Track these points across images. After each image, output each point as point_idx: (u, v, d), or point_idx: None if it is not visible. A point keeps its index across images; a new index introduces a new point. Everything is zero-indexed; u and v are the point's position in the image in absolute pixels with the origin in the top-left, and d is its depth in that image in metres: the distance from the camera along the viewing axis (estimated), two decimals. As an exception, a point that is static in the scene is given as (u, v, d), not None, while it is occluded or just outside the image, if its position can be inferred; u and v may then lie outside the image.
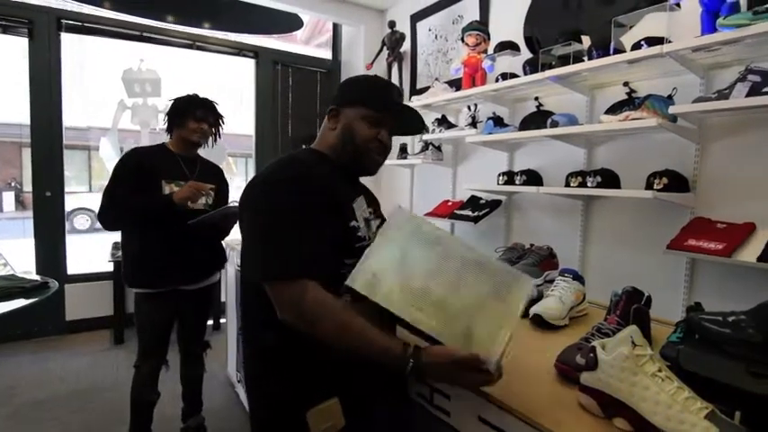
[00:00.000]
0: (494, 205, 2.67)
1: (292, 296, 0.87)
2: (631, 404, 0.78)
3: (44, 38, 3.20)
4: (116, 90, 3.61)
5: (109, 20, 3.44)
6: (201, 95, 1.98)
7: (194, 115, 1.88)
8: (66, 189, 3.50)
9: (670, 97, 1.78)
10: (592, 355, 0.85)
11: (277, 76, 4.00)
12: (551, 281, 1.47)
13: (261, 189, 0.96)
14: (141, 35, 3.52)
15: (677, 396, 0.74)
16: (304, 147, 1.16)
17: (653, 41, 1.70)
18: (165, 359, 2.01)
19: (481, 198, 2.79)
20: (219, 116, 2.01)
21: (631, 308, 1.05)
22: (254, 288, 0.95)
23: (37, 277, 2.15)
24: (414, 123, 1.15)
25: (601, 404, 0.82)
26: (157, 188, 1.83)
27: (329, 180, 1.00)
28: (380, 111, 1.07)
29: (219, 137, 2.06)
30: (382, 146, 1.08)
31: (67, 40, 3.36)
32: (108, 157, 3.59)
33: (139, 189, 1.78)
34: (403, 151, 3.35)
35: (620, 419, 0.79)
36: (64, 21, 3.27)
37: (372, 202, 1.14)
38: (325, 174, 1.01)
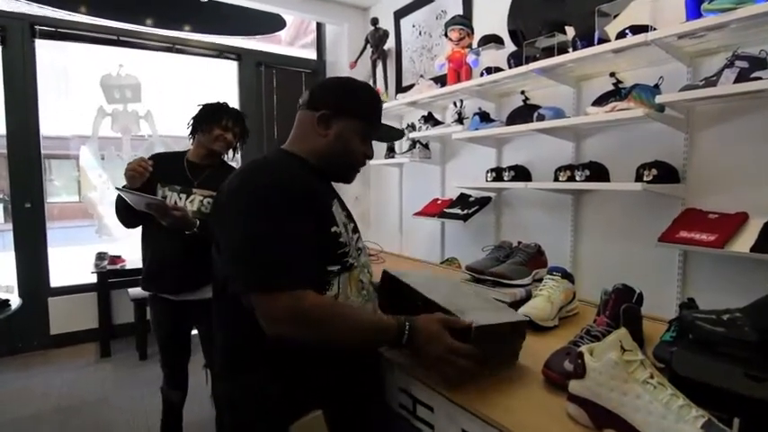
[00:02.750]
0: (483, 202, 2.62)
1: (293, 305, 0.83)
2: (623, 414, 0.72)
3: (17, 44, 3.10)
4: (96, 97, 3.52)
5: (85, 25, 3.35)
6: (226, 105, 1.91)
7: (221, 123, 1.83)
8: (56, 200, 3.42)
9: (657, 86, 1.74)
10: (579, 361, 0.80)
11: (261, 77, 3.93)
12: (540, 280, 1.42)
13: (245, 195, 0.90)
14: (119, 39, 3.43)
15: (671, 404, 0.69)
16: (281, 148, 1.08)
17: (637, 30, 1.66)
18: (179, 366, 1.95)
19: (470, 195, 2.74)
20: (246, 130, 1.95)
21: (621, 308, 1.00)
22: (237, 300, 0.90)
23: (-1, 295, 2.06)
24: (394, 136, 1.28)
25: (590, 414, 0.77)
26: (152, 188, 1.78)
27: (311, 184, 0.96)
28: (376, 129, 1.08)
29: (242, 149, 2.01)
30: (367, 159, 1.09)
31: (48, 46, 3.27)
32: (89, 166, 3.50)
33: (144, 188, 1.74)
34: (390, 150, 3.30)
35: (611, 431, 0.74)
36: (38, 27, 3.18)
37: (345, 205, 1.10)
38: (307, 178, 0.97)
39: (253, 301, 0.85)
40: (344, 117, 1.01)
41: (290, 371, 0.91)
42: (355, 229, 1.07)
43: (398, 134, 1.26)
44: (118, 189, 1.70)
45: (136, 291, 3.29)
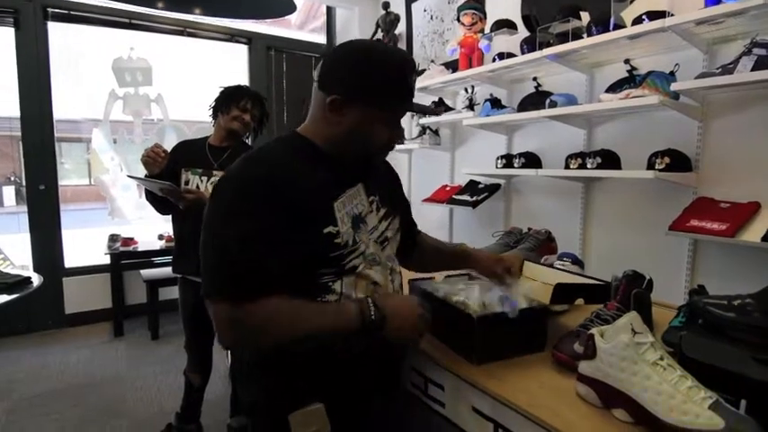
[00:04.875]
0: (492, 189, 2.62)
1: (229, 315, 0.77)
2: (632, 394, 0.74)
3: (30, 27, 3.12)
4: (107, 80, 3.54)
5: (96, 7, 3.35)
6: (247, 87, 1.94)
7: (238, 103, 1.85)
8: (66, 182, 3.47)
9: (672, 74, 1.72)
10: (590, 343, 0.82)
11: (271, 61, 3.92)
12: (550, 265, 1.43)
13: (224, 188, 0.83)
14: (130, 22, 3.44)
15: (680, 385, 0.71)
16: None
17: (654, 15, 1.63)
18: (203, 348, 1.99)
19: (480, 182, 2.74)
20: (266, 113, 1.98)
21: (632, 292, 1.01)
22: None
23: (21, 272, 2.12)
24: (426, 111, 1.18)
25: (600, 394, 0.79)
26: (176, 176, 1.84)
27: (303, 180, 0.84)
28: (402, 111, 0.93)
29: (261, 133, 2.03)
30: (394, 143, 0.94)
31: (60, 29, 3.29)
32: (101, 149, 3.54)
33: (168, 175, 1.79)
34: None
35: (619, 410, 0.76)
36: (50, 9, 3.19)
37: (378, 185, 0.97)
38: (301, 172, 0.84)
39: (208, 309, 0.80)
40: (360, 104, 0.84)
41: (290, 369, 0.86)
42: (387, 215, 0.97)
43: (431, 111, 1.17)
44: (129, 176, 1.75)
45: (148, 272, 3.36)
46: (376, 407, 0.95)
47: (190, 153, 1.91)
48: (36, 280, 2.07)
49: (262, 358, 0.89)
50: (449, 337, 1.06)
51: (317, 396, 0.85)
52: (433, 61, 3.11)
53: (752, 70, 1.41)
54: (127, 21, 3.43)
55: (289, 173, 0.83)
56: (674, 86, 1.62)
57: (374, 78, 0.84)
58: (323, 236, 0.83)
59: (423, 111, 1.03)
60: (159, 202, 1.86)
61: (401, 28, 3.49)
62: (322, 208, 0.84)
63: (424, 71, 3.00)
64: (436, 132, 3.04)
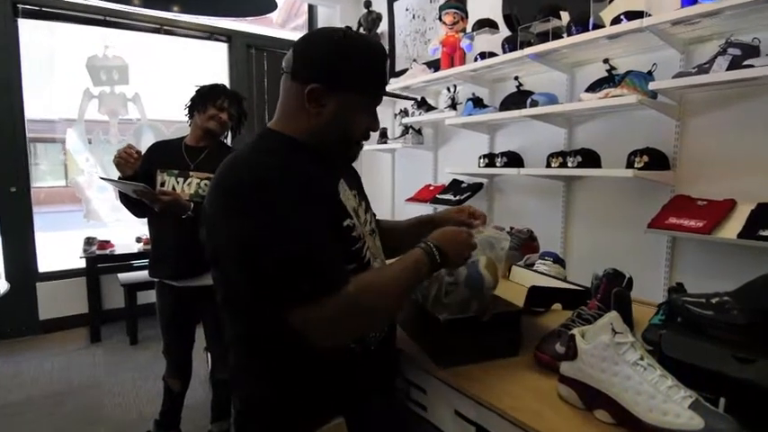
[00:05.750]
0: (475, 188, 2.62)
1: (343, 304, 0.72)
2: (613, 395, 0.74)
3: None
4: (82, 79, 3.44)
5: (69, 4, 3.25)
6: (223, 86, 1.90)
7: (215, 102, 1.82)
8: (42, 184, 3.36)
9: (650, 73, 1.74)
10: (571, 343, 0.81)
11: (251, 60, 3.86)
12: (531, 265, 1.43)
13: (248, 197, 0.74)
14: (105, 20, 3.35)
15: (660, 385, 0.70)
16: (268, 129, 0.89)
17: (633, 16, 1.65)
18: (183, 352, 1.95)
19: (463, 182, 2.74)
20: (244, 112, 1.94)
21: (612, 291, 1.02)
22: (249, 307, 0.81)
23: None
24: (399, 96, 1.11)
25: (581, 395, 0.79)
26: (151, 177, 1.78)
27: (308, 175, 0.79)
28: (380, 96, 0.89)
29: (239, 133, 1.98)
30: (371, 132, 0.91)
31: (33, 27, 3.18)
32: (76, 149, 3.44)
33: (142, 177, 1.75)
34: (383, 136, 3.28)
35: (601, 411, 0.76)
36: (20, 5, 3.09)
37: (353, 180, 0.97)
38: (308, 168, 0.80)
39: (295, 318, 0.72)
40: (340, 91, 0.82)
41: (308, 380, 0.82)
42: (368, 208, 0.97)
43: (404, 96, 1.21)
44: (102, 178, 1.71)
45: (126, 275, 3.27)
46: (374, 407, 0.92)
47: (165, 154, 1.85)
48: (2, 287, 1.98)
49: (264, 362, 0.84)
50: (421, 337, 1.05)
51: (317, 400, 0.83)
52: (415, 60, 3.10)
53: (727, 70, 1.43)
54: (101, 18, 3.33)
55: (300, 170, 0.79)
56: (651, 86, 1.63)
57: (354, 63, 0.81)
58: (343, 229, 0.82)
59: (397, 96, 1.02)
60: (134, 205, 1.80)
61: (383, 27, 3.47)
62: (335, 201, 0.83)
63: (406, 70, 2.99)
64: (419, 132, 3.03)
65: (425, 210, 3.05)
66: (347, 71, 0.81)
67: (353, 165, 1.03)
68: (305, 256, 0.72)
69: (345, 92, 0.82)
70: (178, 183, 1.80)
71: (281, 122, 0.87)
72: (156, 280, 1.89)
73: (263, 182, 0.74)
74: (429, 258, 0.83)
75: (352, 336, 0.80)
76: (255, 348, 0.85)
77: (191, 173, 1.81)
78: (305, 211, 0.74)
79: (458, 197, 2.61)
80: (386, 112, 3.42)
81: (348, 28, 0.97)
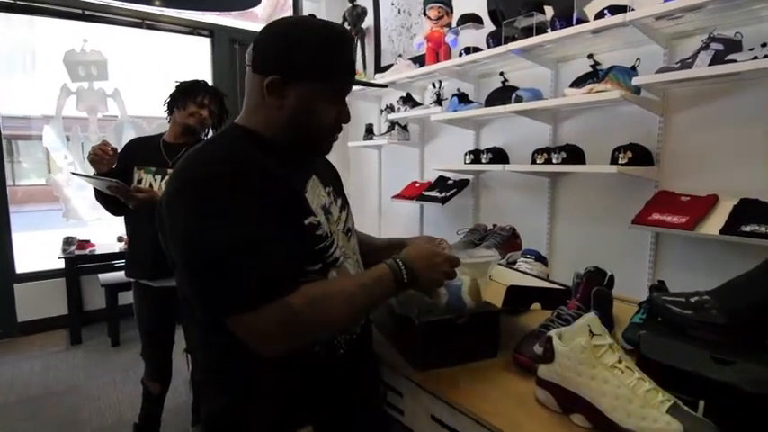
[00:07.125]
0: (461, 185, 2.60)
1: (281, 317, 0.67)
2: (590, 399, 0.72)
3: (-29, 17, 2.93)
4: (60, 74, 3.35)
5: (46, -3, 3.17)
6: (204, 82, 1.86)
7: (195, 99, 1.78)
8: (24, 182, 3.27)
9: (633, 68, 1.73)
10: (548, 345, 0.79)
11: (235, 55, 3.79)
12: (513, 263, 1.41)
13: (184, 199, 0.71)
14: (83, 13, 3.26)
15: (638, 389, 0.68)
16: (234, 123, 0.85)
17: (616, 10, 1.63)
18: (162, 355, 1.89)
19: (449, 178, 2.72)
20: (225, 109, 1.90)
21: (592, 291, 1.00)
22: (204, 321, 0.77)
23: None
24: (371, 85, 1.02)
25: (558, 399, 0.77)
26: (128, 174, 1.74)
27: (269, 172, 0.76)
28: (347, 83, 0.84)
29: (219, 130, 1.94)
30: (342, 123, 0.85)
31: (9, 20, 3.09)
32: (53, 147, 3.35)
33: (119, 174, 1.70)
34: (369, 132, 3.24)
35: (577, 415, 0.74)
36: (-7, -2, 3.00)
37: (328, 176, 0.92)
38: (265, 163, 0.77)
39: (233, 326, 0.69)
40: (300, 81, 0.77)
41: (272, 388, 0.79)
42: (344, 206, 0.93)
43: (377, 85, 1.12)
44: (73, 174, 1.66)
45: (106, 276, 3.20)
46: (357, 416, 0.88)
47: (143, 151, 1.81)
48: None
49: (229, 368, 0.80)
50: (396, 339, 1.02)
51: (281, 410, 0.79)
52: (400, 55, 3.07)
53: (709, 65, 1.42)
54: (79, 12, 3.24)
55: (253, 165, 0.75)
56: (635, 81, 1.62)
57: (307, 51, 0.77)
58: (305, 227, 0.77)
59: (366, 84, 0.96)
60: (110, 202, 1.74)
61: (368, 22, 3.43)
62: (297, 198, 0.79)
63: (391, 66, 2.95)
64: (405, 128, 3.00)
65: (412, 206, 3.02)
66: (302, 59, 0.76)
67: (333, 162, 1.00)
68: (243, 253, 0.67)
69: (304, 82, 0.77)
70: (156, 180, 1.76)
71: (245, 117, 0.83)
72: (132, 280, 1.84)
73: (207, 175, 0.71)
74: (395, 276, 0.78)
75: (295, 346, 0.73)
76: (212, 358, 0.81)
77: (169, 170, 1.76)
78: (248, 205, 0.70)
79: (444, 194, 2.58)
80: (372, 108, 3.38)
81: (312, 16, 0.92)
